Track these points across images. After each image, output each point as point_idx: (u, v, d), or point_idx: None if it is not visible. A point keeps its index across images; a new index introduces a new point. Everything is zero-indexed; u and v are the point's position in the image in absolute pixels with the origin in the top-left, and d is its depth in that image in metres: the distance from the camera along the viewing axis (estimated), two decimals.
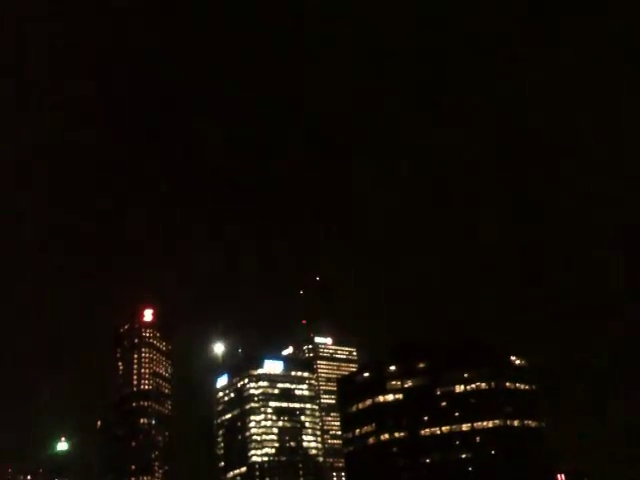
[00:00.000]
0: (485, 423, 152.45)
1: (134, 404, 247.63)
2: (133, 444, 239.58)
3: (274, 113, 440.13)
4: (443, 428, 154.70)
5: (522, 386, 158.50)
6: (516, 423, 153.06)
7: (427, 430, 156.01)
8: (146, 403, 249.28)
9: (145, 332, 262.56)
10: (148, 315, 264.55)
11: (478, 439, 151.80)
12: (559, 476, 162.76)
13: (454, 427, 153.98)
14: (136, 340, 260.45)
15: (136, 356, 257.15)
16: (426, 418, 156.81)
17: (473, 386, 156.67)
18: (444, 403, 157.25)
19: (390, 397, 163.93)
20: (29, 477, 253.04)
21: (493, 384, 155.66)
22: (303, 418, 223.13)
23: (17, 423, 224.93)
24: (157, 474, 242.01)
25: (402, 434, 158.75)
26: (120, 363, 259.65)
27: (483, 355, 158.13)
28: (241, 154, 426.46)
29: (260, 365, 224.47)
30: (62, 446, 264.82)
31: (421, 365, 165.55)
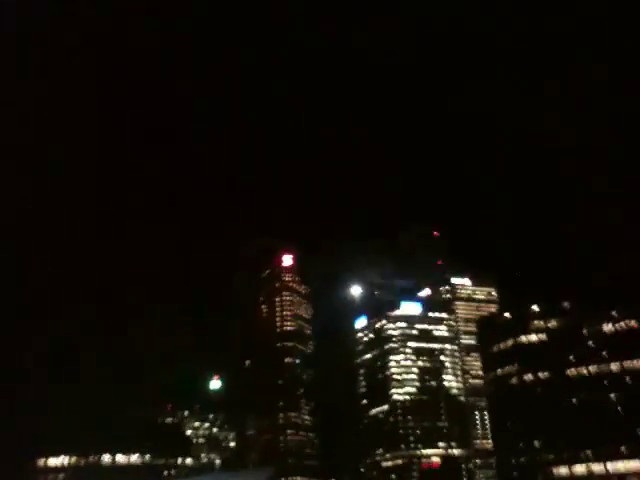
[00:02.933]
0: (636, 362, 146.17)
1: (279, 344, 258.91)
2: (280, 382, 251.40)
3: None
4: (590, 368, 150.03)
5: None
6: None
7: (573, 370, 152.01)
8: (290, 343, 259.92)
9: (285, 276, 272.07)
10: (288, 260, 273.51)
11: (628, 379, 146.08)
12: None
13: (602, 367, 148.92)
14: (277, 284, 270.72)
15: (278, 299, 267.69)
16: (572, 358, 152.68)
17: (623, 324, 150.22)
18: (591, 342, 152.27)
19: (533, 337, 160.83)
20: (186, 413, 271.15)
21: None
22: (443, 358, 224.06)
23: (173, 360, 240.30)
24: (303, 410, 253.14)
25: (546, 374, 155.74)
26: (264, 306, 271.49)
27: (633, 292, 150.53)
28: None
29: (397, 307, 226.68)
30: (215, 384, 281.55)
31: (565, 304, 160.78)
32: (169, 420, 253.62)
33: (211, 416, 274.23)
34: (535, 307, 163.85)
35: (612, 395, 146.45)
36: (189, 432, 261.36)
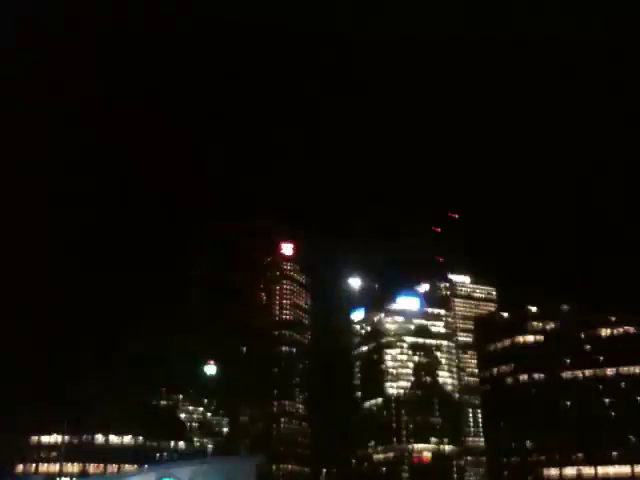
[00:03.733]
0: (632, 368, 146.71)
1: (276, 333, 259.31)
2: (275, 370, 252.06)
3: None
4: (586, 371, 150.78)
5: None
6: None
7: (568, 373, 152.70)
8: (287, 332, 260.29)
9: (285, 265, 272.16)
10: (288, 249, 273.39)
11: (623, 385, 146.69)
12: None
13: (598, 371, 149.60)
14: (277, 273, 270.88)
15: (277, 288, 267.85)
16: (567, 361, 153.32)
17: (620, 330, 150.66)
18: (587, 346, 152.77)
19: (530, 338, 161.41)
20: (180, 396, 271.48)
21: None
22: (439, 354, 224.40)
23: (168, 344, 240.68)
24: (297, 399, 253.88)
25: (541, 376, 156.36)
26: (263, 294, 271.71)
27: (631, 298, 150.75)
28: None
29: (395, 300, 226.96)
30: (210, 370, 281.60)
31: (564, 307, 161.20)
32: (163, 403, 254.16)
33: (205, 401, 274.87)
34: (533, 308, 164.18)
35: (606, 400, 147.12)
36: (183, 416, 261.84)
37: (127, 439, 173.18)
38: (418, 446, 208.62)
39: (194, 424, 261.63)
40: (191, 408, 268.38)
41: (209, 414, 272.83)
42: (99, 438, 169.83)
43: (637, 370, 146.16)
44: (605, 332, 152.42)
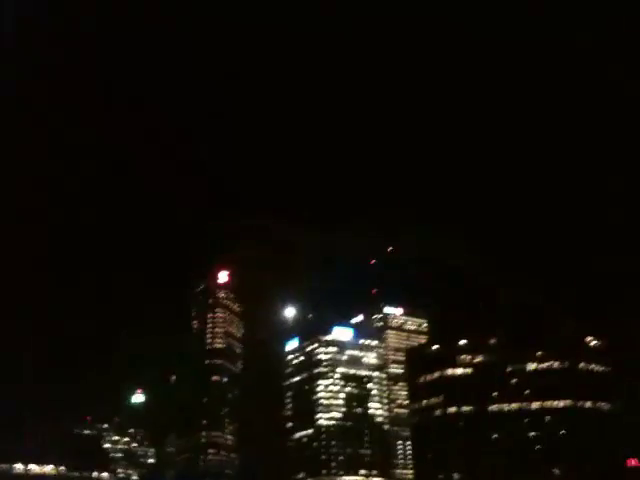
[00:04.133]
0: (556, 403, 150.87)
1: (207, 361, 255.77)
2: (205, 400, 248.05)
3: None
4: (512, 405, 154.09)
5: (596, 367, 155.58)
6: (588, 404, 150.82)
7: (495, 406, 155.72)
8: (218, 361, 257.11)
9: (220, 293, 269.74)
10: (223, 277, 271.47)
11: (548, 418, 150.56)
12: (631, 460, 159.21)
13: (524, 405, 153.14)
14: (210, 300, 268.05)
15: (210, 315, 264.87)
16: (495, 394, 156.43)
17: (545, 365, 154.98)
18: (514, 380, 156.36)
19: (459, 371, 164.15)
20: (106, 426, 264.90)
21: (566, 364, 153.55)
22: (370, 385, 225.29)
23: (94, 374, 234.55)
24: (227, 430, 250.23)
25: (470, 408, 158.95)
26: (195, 321, 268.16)
27: (557, 334, 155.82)
28: None
29: (329, 331, 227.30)
30: (138, 398, 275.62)
31: (492, 341, 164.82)
32: (87, 432, 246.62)
33: (131, 431, 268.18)
34: (463, 341, 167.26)
35: (531, 433, 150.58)
36: (107, 445, 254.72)
37: (48, 469, 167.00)
38: (347, 478, 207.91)
39: (119, 454, 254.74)
40: (116, 438, 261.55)
41: (135, 444, 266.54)
42: (18, 467, 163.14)
43: (561, 404, 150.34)
44: (531, 366, 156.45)
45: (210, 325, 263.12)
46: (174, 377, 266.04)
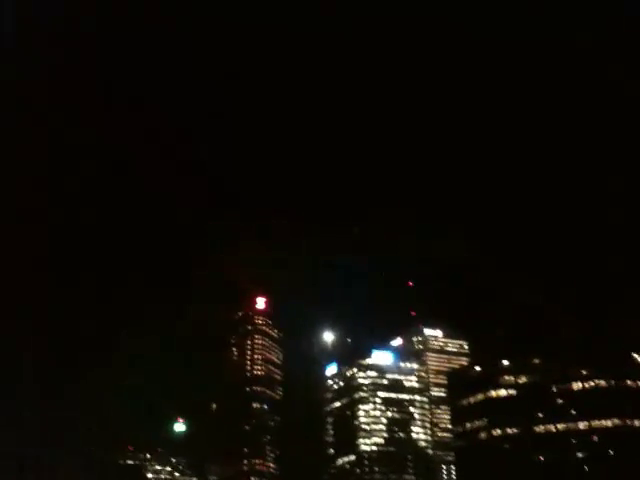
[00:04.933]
0: (604, 422, 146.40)
1: (247, 389, 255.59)
2: (246, 427, 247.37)
3: None
4: (559, 426, 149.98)
5: None
6: (637, 423, 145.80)
7: (541, 427, 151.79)
8: (258, 388, 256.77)
9: (258, 319, 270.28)
10: (261, 303, 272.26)
11: (596, 438, 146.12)
12: None
13: (570, 425, 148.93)
14: (249, 327, 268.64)
15: (249, 342, 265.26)
16: (541, 415, 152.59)
17: (592, 384, 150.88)
18: (560, 400, 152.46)
19: (503, 392, 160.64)
20: (148, 455, 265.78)
21: (613, 382, 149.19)
22: (412, 409, 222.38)
23: (137, 403, 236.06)
24: (268, 457, 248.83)
25: (515, 430, 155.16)
26: (234, 349, 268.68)
27: (603, 352, 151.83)
28: None
29: (369, 355, 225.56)
30: (179, 427, 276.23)
31: (536, 361, 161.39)
32: (130, 462, 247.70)
33: (174, 460, 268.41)
34: (505, 362, 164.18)
35: (579, 454, 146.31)
36: (150, 476, 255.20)
37: None
38: None
39: None
40: (159, 467, 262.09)
41: (177, 474, 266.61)
42: None
43: (609, 423, 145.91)
44: (577, 386, 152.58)
45: (249, 352, 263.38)
46: (215, 405, 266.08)
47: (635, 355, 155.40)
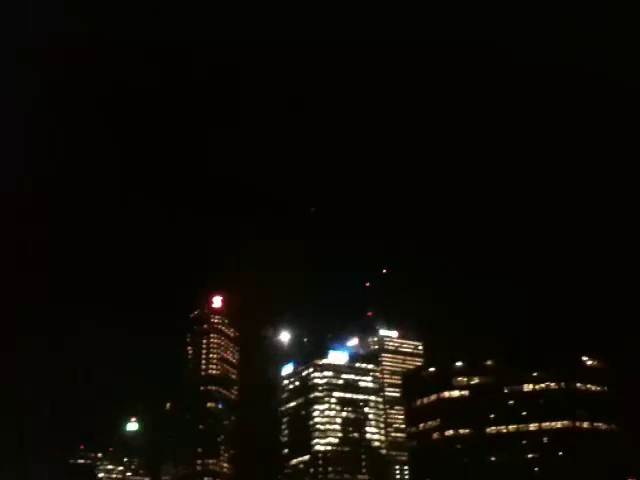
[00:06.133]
0: (553, 424, 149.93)
1: (202, 388, 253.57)
2: (200, 427, 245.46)
3: None
4: (510, 427, 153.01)
5: (594, 387, 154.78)
6: (586, 425, 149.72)
7: (493, 428, 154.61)
8: (214, 387, 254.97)
9: (214, 318, 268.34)
10: (217, 302, 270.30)
11: (546, 440, 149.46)
12: None
13: (521, 426, 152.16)
14: (205, 326, 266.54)
15: (205, 341, 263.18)
16: (492, 416, 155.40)
17: (542, 386, 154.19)
18: (511, 402, 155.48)
19: (456, 393, 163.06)
20: (100, 455, 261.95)
21: (563, 384, 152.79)
22: (367, 410, 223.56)
23: (88, 402, 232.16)
24: (223, 457, 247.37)
25: (467, 431, 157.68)
26: (190, 348, 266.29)
27: (553, 354, 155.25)
28: None
29: (325, 355, 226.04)
30: (132, 426, 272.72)
31: (488, 362, 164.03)
32: (81, 461, 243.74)
33: (126, 460, 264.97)
34: (459, 363, 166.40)
35: (529, 455, 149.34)
36: (101, 475, 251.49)
37: None
38: None
39: None
40: (111, 467, 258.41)
41: (129, 473, 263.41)
42: None
43: (559, 425, 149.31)
44: (528, 387, 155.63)
45: (205, 351, 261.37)
46: (169, 404, 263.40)
47: (585, 358, 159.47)
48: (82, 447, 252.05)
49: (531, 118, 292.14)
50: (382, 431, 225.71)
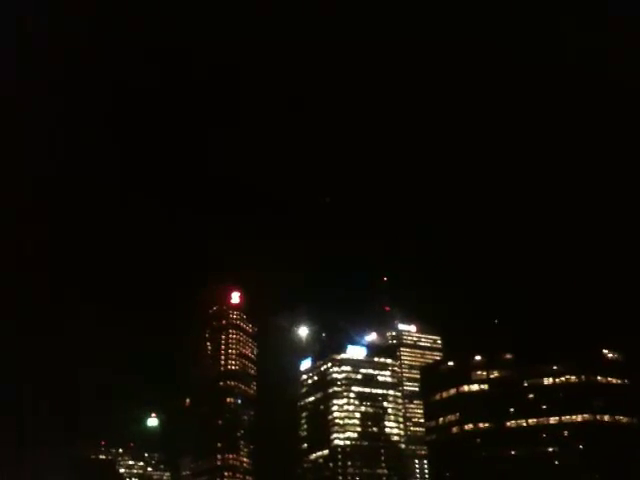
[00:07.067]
0: (574, 417, 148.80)
1: (221, 383, 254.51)
2: (220, 422, 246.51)
3: None
4: (529, 421, 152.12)
5: (614, 380, 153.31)
6: (607, 418, 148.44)
7: (513, 422, 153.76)
8: (232, 383, 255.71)
9: (232, 314, 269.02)
10: (235, 297, 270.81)
11: (566, 433, 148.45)
12: None
13: (541, 420, 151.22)
14: (224, 322, 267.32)
15: (223, 337, 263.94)
16: (512, 410, 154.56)
17: (562, 379, 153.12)
18: (531, 395, 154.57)
19: (475, 387, 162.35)
20: (120, 450, 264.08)
21: (583, 377, 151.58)
22: (385, 404, 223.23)
23: (109, 398, 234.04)
24: (242, 452, 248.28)
25: (486, 425, 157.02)
26: (208, 344, 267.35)
27: (573, 348, 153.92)
28: None
29: (343, 350, 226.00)
30: (152, 422, 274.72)
31: (507, 356, 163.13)
32: (102, 457, 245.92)
33: (146, 455, 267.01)
34: (478, 357, 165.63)
35: (549, 448, 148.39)
36: (122, 470, 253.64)
37: None
38: None
39: (134, 479, 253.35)
40: (131, 462, 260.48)
41: (150, 468, 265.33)
42: None
43: (579, 418, 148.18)
44: (548, 381, 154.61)
45: (223, 347, 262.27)
46: (188, 400, 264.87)
47: (605, 351, 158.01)
48: (103, 443, 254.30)
49: (531, 118, 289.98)
50: (401, 425, 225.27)
